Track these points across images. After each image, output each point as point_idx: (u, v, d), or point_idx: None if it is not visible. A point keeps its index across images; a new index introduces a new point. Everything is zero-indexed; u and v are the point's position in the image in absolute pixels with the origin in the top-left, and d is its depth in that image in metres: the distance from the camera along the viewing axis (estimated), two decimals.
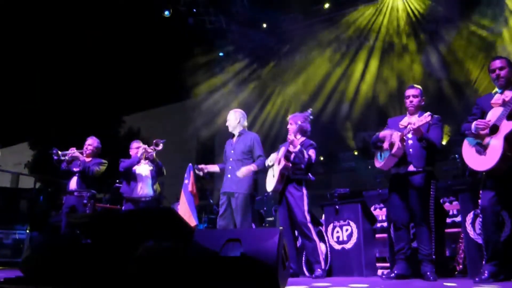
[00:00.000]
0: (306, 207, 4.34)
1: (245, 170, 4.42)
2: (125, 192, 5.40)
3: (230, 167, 4.61)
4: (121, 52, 15.09)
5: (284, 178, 4.42)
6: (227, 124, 4.83)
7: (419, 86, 4.08)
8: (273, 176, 4.50)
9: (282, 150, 4.48)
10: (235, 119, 4.76)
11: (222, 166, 4.80)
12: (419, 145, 3.79)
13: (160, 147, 5.33)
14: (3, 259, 7.32)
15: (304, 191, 4.39)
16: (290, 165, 4.38)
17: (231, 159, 4.65)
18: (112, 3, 11.38)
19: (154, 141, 5.38)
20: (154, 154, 5.43)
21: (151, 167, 5.44)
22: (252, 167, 4.46)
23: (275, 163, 4.50)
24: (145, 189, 5.35)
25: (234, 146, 4.69)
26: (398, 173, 3.92)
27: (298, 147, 4.33)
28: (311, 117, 4.49)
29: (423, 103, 3.99)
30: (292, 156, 4.37)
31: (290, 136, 4.35)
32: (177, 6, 9.96)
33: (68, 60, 15.26)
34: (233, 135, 4.80)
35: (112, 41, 14.49)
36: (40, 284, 2.37)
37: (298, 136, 4.53)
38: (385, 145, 3.88)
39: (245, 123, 4.83)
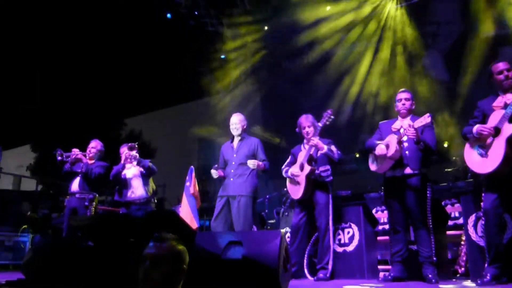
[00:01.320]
0: (331, 216, 4.30)
1: (255, 162, 4.44)
2: (118, 197, 5.46)
3: (232, 171, 4.58)
4: (122, 55, 15.11)
5: (311, 183, 4.32)
6: (230, 127, 4.82)
7: (409, 90, 4.15)
8: (298, 183, 4.38)
9: (302, 155, 4.39)
10: (238, 122, 4.76)
11: (223, 170, 4.74)
12: (415, 147, 3.78)
13: (135, 150, 5.33)
14: (4, 261, 7.33)
15: (331, 195, 4.34)
16: (314, 168, 4.30)
17: (233, 163, 4.62)
18: (114, 5, 11.41)
19: (129, 145, 5.43)
20: (138, 156, 5.40)
21: (139, 168, 5.46)
22: (261, 163, 4.48)
23: (296, 170, 4.38)
24: (135, 191, 5.39)
25: (236, 150, 4.68)
26: (394, 176, 3.91)
27: (325, 147, 4.23)
28: (332, 117, 4.30)
29: (413, 107, 4.04)
30: (320, 157, 4.31)
31: (314, 140, 4.21)
32: (178, 8, 9.98)
33: (69, 62, 15.30)
34: (232, 139, 4.80)
35: (113, 43, 14.52)
36: (42, 286, 2.37)
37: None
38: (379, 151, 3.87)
39: (246, 127, 4.83)
